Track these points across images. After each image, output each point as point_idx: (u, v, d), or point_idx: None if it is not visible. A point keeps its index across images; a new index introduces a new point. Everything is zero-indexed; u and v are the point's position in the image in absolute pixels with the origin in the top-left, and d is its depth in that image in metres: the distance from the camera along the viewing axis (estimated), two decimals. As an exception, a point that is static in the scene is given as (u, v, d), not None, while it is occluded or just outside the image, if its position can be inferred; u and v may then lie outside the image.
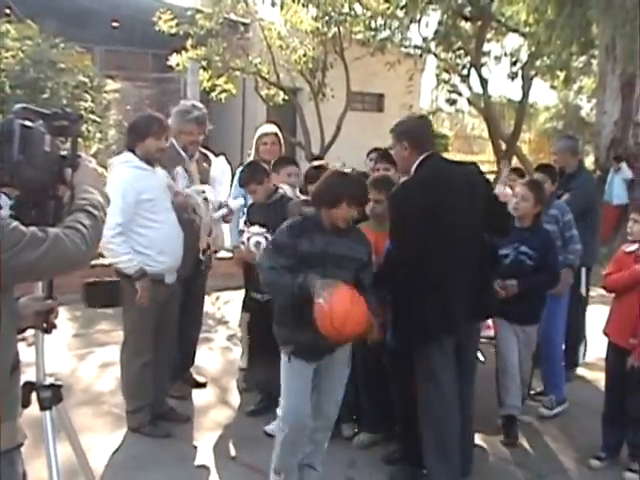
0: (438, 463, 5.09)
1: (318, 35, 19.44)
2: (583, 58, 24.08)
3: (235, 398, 7.14)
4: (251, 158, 7.35)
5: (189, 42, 18.34)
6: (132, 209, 5.80)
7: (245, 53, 19.42)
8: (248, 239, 6.32)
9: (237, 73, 19.49)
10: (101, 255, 5.60)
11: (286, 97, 20.40)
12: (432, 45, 23.57)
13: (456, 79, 26.59)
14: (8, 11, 16.82)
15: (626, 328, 5.68)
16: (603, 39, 17.07)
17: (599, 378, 6.57)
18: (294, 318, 4.67)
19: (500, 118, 28.71)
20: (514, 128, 25.83)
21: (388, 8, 20.21)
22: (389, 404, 5.78)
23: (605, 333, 5.95)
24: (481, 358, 6.54)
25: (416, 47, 22.94)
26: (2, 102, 12.68)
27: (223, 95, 19.14)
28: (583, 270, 7.40)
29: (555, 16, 17.73)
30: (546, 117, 39.71)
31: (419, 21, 21.99)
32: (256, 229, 6.34)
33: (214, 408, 6.93)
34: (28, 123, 2.79)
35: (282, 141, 7.47)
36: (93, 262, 5.97)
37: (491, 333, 6.45)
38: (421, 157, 5.14)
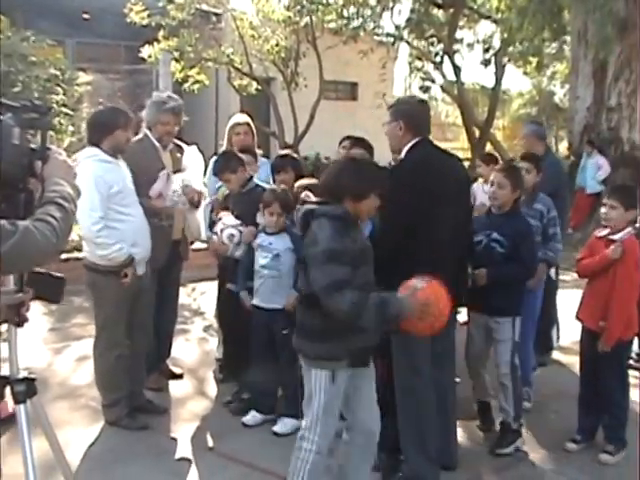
0: (417, 450, 5.09)
1: (290, 24, 19.38)
2: (555, 44, 24.20)
3: (212, 389, 7.15)
4: (223, 148, 7.36)
5: (161, 33, 18.25)
6: (105, 202, 5.80)
7: (217, 43, 19.34)
8: (222, 230, 6.31)
9: (210, 64, 19.41)
10: (76, 249, 5.59)
11: (259, 87, 20.35)
12: (405, 33, 23.58)
13: (429, 67, 26.61)
14: (-23, 4, 16.67)
15: (597, 312, 5.76)
16: (575, 25, 17.17)
17: (574, 362, 6.60)
18: (351, 326, 4.22)
19: (474, 105, 28.81)
20: (488, 115, 25.90)
21: (360, -4, 20.22)
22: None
23: (578, 317, 6.00)
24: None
25: (389, 35, 22.90)
26: (-28, 96, 12.56)
27: (196, 86, 19.05)
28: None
29: (527, 2, 17.78)
30: (520, 103, 39.86)
31: (391, 9, 21.99)
32: (230, 220, 6.34)
33: (191, 399, 6.93)
34: (-4, 116, 2.77)
35: (254, 131, 7.47)
36: (66, 256, 5.99)
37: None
38: (414, 140, 5.13)
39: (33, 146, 2.95)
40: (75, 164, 5.63)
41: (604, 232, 5.85)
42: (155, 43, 18.12)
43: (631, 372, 6.37)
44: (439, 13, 24.31)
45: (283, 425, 6.11)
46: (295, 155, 7.24)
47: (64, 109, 14.16)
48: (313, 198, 5.38)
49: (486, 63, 26.05)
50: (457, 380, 6.27)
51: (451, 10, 23.54)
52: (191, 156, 6.99)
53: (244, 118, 7.53)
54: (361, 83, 27.65)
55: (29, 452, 3.12)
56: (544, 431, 6.32)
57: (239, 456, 5.64)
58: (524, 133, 8.25)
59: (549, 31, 19.18)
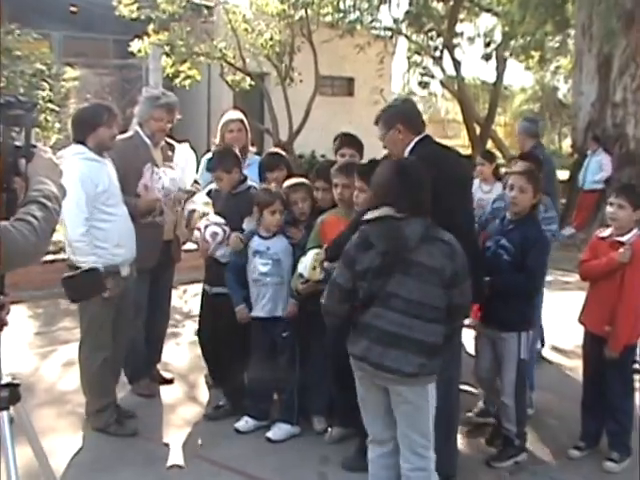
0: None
1: (285, 18, 19.36)
2: (558, 37, 24.19)
3: (203, 394, 7.13)
4: (215, 146, 7.35)
5: (151, 27, 18.25)
6: (91, 202, 5.81)
7: (209, 37, 19.35)
8: (205, 227, 6.26)
9: (201, 58, 19.40)
10: (63, 250, 5.59)
11: (253, 82, 20.33)
12: (403, 26, 23.57)
13: (428, 61, 26.66)
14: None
15: (602, 316, 5.69)
16: (579, 18, 17.14)
17: (576, 366, 6.60)
18: None
19: (474, 101, 28.85)
20: (489, 111, 25.93)
21: (357, -12, 20.22)
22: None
23: (581, 321, 5.95)
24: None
25: (386, 29, 22.89)
26: (-45, 92, 12.56)
27: (187, 82, 19.04)
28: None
29: (529, -6, 17.77)
30: (522, 99, 39.97)
31: (389, 2, 21.97)
32: (215, 217, 6.29)
33: (182, 405, 6.92)
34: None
35: (248, 128, 7.46)
36: (52, 257, 5.99)
37: None
38: (416, 139, 5.13)
39: (18, 143, 2.94)
40: (60, 162, 5.64)
41: (606, 232, 5.81)
42: (145, 37, 18.13)
43: (636, 376, 6.35)
44: (439, 6, 24.28)
45: (278, 431, 6.10)
46: (283, 152, 7.24)
47: (50, 105, 14.13)
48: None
49: (487, 57, 26.11)
50: (474, 391, 6.31)
51: (451, 3, 23.54)
52: (183, 154, 6.98)
53: (237, 115, 7.52)
54: (358, 78, 27.66)
55: (12, 461, 3.10)
56: (546, 437, 6.32)
57: (231, 464, 5.63)
58: (517, 130, 8.56)
59: (552, 24, 19.19)
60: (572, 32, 19.53)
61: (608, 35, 15.49)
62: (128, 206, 6.16)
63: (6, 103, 2.95)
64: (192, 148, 7.10)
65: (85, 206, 5.74)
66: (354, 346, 4.56)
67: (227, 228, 6.24)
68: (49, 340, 8.74)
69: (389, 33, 23.23)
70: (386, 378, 4.48)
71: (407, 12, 22.86)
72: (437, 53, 25.39)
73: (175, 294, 8.26)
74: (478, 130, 24.69)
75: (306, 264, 5.61)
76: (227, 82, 20.58)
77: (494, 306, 5.62)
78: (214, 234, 6.22)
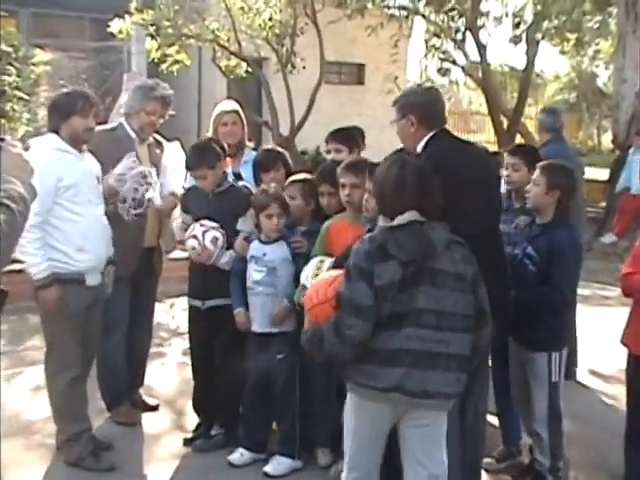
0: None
1: (286, -5, 19.39)
2: (598, 17, 24.20)
3: (192, 423, 7.09)
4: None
5: (134, 5, 18.23)
6: (50, 197, 5.81)
7: (200, 17, 19.32)
8: (204, 233, 6.24)
9: (191, 41, 19.35)
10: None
11: (249, 69, 20.29)
12: (420, 5, 23.56)
13: (449, 45, 26.57)
14: None
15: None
16: (622, -6, 17.14)
17: (618, 393, 6.58)
18: None
19: (501, 90, 28.84)
20: (517, 102, 25.87)
21: (368, -38, 20.21)
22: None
23: (623, 342, 5.90)
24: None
25: (401, 8, 22.87)
26: None
27: (175, 67, 19.00)
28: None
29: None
30: (556, 88, 40.02)
31: (405, -24, 22.00)
32: (209, 222, 6.27)
33: (168, 435, 6.92)
34: None
35: (244, 120, 7.47)
36: (19, 266, 5.99)
37: None
38: (430, 134, 5.15)
39: (-19, 137, 2.95)
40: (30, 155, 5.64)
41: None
42: (127, 16, 18.11)
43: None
44: (461, -18, 24.31)
45: (277, 465, 6.10)
46: (280, 149, 7.22)
47: (18, 93, 14.14)
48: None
49: (516, 41, 26.05)
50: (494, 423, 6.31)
51: (475, -22, 23.55)
52: (172, 154, 6.99)
53: (232, 106, 7.52)
54: (369, 65, 27.71)
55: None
56: (584, 473, 6.30)
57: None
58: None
59: (591, 2, 19.19)
60: (614, 11, 19.53)
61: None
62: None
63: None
64: (182, 147, 7.10)
65: (39, 200, 5.71)
66: (382, 379, 4.47)
67: (223, 232, 6.24)
68: (15, 361, 8.72)
69: (404, 13, 23.21)
70: (425, 405, 4.52)
71: (425, -12, 22.86)
72: (459, 36, 25.32)
73: (160, 308, 8.28)
74: (505, 123, 24.67)
75: (308, 274, 5.57)
76: (220, 68, 20.56)
77: (520, 323, 5.61)
78: (215, 239, 6.20)
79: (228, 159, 6.77)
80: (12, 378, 8.23)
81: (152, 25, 18.05)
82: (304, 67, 20.18)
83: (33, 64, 15.88)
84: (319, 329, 4.57)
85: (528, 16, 25.28)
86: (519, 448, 6.33)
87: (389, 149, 5.67)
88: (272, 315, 6.07)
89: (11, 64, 14.68)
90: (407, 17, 23.43)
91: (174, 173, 6.96)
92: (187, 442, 6.65)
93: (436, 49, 26.90)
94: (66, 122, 5.95)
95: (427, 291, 4.44)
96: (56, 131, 6.00)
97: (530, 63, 25.81)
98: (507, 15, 26.44)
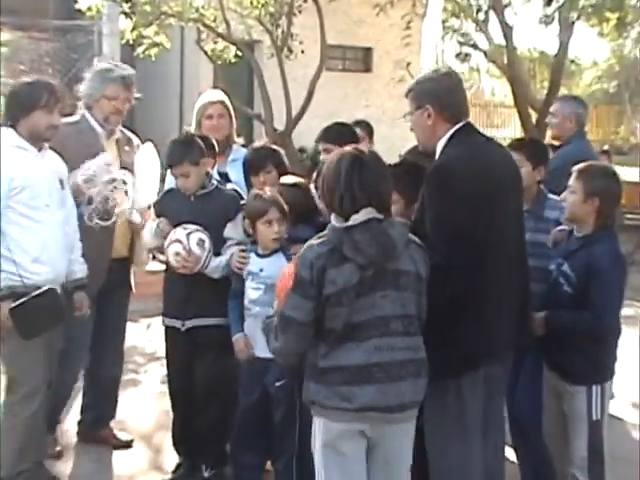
0: None
1: (282, -32, 19.44)
2: (644, -6, 24.24)
3: (172, 462, 7.08)
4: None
5: (106, -22, 18.32)
6: (2, 200, 5.82)
7: (183, -7, 19.41)
8: (188, 236, 6.19)
9: (172, 20, 19.38)
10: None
11: (239, 53, 20.33)
12: (437, -20, 23.68)
13: (470, 26, 26.69)
14: None
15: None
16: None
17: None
18: None
19: (530, 78, 28.87)
20: (549, 92, 25.87)
21: None
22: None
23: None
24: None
25: (415, -17, 22.98)
26: None
27: (153, 51, 19.03)
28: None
29: None
30: (593, 76, 40.06)
31: (418, -53, 22.04)
32: (191, 225, 6.24)
33: (143, 476, 6.94)
34: None
35: (232, 113, 7.48)
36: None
37: None
38: (454, 129, 5.10)
39: None
40: None
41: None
42: (98, -9, 18.17)
43: None
44: (483, -47, 24.38)
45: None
46: (274, 147, 7.17)
47: (-31, 79, 14.17)
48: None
49: (547, 21, 26.12)
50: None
51: (500, -52, 23.61)
52: (145, 158, 6.98)
53: (219, 96, 7.54)
54: (377, 49, 27.77)
55: None
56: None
57: None
58: (556, 109, 8.39)
59: (634, -24, 19.23)
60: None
61: None
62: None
63: None
64: (157, 149, 7.08)
65: None
66: (354, 399, 4.55)
67: (208, 234, 6.21)
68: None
69: (418, -11, 23.31)
70: (399, 419, 4.66)
71: (442, -39, 22.95)
72: (481, 15, 25.41)
73: (136, 329, 8.29)
74: (534, 117, 24.70)
75: None
76: (205, 52, 20.60)
77: (554, 349, 5.59)
78: (201, 242, 6.16)
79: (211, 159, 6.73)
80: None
81: (127, 2, 18.08)
82: (302, 51, 20.22)
83: (-13, 45, 15.90)
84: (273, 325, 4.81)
85: (561, -8, 25.37)
86: None
87: (401, 146, 5.68)
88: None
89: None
90: (421, -6, 23.51)
91: (148, 181, 6.94)
92: None
93: (454, 31, 27.04)
94: (27, 117, 5.96)
95: (392, 295, 4.55)
96: (13, 126, 6.01)
97: (563, 47, 25.84)
98: (537, -9, 26.54)
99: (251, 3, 19.44)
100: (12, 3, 22.26)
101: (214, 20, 19.52)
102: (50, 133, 6.06)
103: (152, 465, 7.14)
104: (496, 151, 5.34)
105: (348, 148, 4.89)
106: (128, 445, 7.37)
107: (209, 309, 6.35)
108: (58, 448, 7.09)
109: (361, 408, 4.54)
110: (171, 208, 6.51)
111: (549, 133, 8.76)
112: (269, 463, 6.43)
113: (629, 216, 14.99)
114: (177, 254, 6.19)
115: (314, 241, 4.64)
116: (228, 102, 7.48)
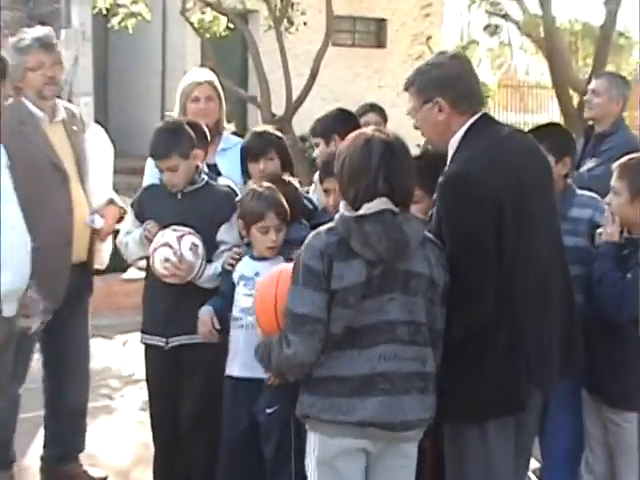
0: None
1: None
2: None
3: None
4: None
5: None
6: None
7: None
8: (179, 239, 6.12)
9: (152, -13, 19.51)
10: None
11: (231, 25, 20.37)
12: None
13: (500, -6, 26.77)
14: None
15: None
16: None
17: None
18: None
19: (571, 55, 28.87)
20: (592, 70, 25.92)
21: None
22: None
23: None
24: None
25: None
26: None
27: (130, 22, 19.06)
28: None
29: None
30: (645, 52, 39.99)
31: None
32: (182, 227, 6.21)
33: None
34: None
35: (222, 95, 7.49)
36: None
37: None
38: (469, 122, 5.03)
39: None
40: None
41: None
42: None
43: None
44: None
45: None
46: (277, 132, 7.15)
47: None
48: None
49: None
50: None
51: None
52: (94, 144, 6.97)
53: (206, 75, 7.54)
54: (392, 21, 27.79)
55: None
56: None
57: None
58: (597, 85, 8.33)
59: None
60: None
61: None
62: None
63: None
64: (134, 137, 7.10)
65: None
66: (353, 412, 4.59)
67: (201, 238, 6.17)
68: None
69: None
70: (401, 438, 4.71)
71: None
72: (514, -19, 25.51)
73: (110, 347, 8.30)
74: (576, 99, 24.72)
75: None
76: (192, 24, 20.61)
77: (599, 372, 5.56)
78: (194, 247, 6.10)
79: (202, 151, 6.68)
80: None
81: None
82: (305, 23, 20.25)
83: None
84: (269, 342, 4.78)
85: (607, -46, 25.41)
86: None
87: (418, 134, 5.67)
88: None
89: None
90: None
91: (101, 173, 6.94)
92: None
93: (482, -1, 27.05)
94: None
95: (400, 299, 4.59)
96: None
97: (611, 17, 25.88)
98: (579, -48, 26.58)
99: (245, -33, 19.51)
100: (-35, -33, 22.36)
101: (201, -14, 19.58)
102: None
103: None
104: (520, 143, 5.23)
105: (371, 129, 4.90)
106: (101, 483, 7.38)
107: (195, 326, 6.20)
108: None
109: (361, 422, 4.58)
110: (154, 208, 6.43)
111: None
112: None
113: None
114: (166, 260, 6.11)
115: (322, 229, 4.67)
116: (217, 82, 7.46)
